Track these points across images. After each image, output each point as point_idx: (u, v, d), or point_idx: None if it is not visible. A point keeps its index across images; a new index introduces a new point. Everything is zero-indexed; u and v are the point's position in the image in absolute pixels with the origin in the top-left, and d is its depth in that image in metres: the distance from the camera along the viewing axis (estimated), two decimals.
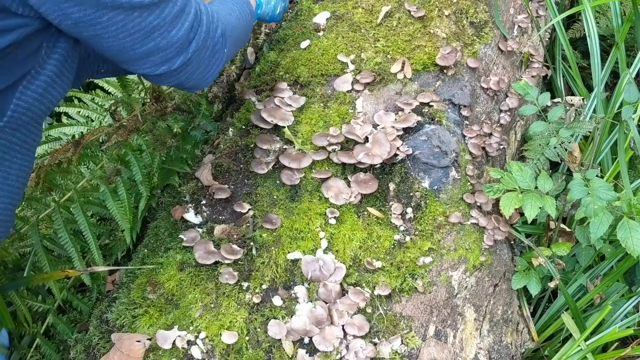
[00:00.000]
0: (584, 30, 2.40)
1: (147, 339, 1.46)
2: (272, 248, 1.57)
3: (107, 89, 2.28)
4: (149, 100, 1.85)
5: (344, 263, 1.56)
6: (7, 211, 1.18)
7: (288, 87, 1.83)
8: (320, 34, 1.93)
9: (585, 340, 1.71)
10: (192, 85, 1.30)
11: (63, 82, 1.17)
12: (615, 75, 2.44)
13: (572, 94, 2.42)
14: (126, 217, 1.64)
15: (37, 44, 1.08)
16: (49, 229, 1.83)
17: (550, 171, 2.00)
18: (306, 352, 1.47)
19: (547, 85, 2.52)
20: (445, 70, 1.83)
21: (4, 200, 1.16)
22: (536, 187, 1.68)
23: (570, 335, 1.80)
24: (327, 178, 1.65)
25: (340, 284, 1.54)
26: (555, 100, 2.02)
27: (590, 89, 2.43)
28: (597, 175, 1.64)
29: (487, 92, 1.92)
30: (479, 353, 1.63)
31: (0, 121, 1.08)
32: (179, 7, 1.16)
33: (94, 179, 1.68)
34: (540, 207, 1.61)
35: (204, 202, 1.69)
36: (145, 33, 1.11)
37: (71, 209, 1.66)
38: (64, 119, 2.19)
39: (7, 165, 1.13)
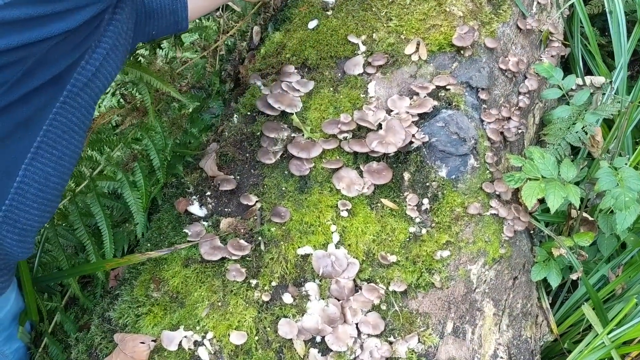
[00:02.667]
0: (603, 6, 2.29)
1: (152, 340, 1.39)
2: (282, 243, 1.49)
3: None
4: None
5: (356, 258, 1.49)
6: (56, 191, 1.15)
7: (295, 71, 1.73)
8: (329, 13, 1.82)
9: (608, 334, 1.64)
10: None
11: (117, 56, 1.15)
12: (634, 54, 2.34)
13: (590, 74, 2.31)
14: (142, 208, 1.54)
15: (99, 21, 1.07)
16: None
17: (572, 157, 1.91)
18: (318, 352, 1.40)
19: (564, 64, 2.41)
20: (462, 51, 1.73)
21: (54, 180, 1.13)
22: (559, 175, 1.59)
23: (590, 326, 1.73)
24: (339, 168, 1.56)
25: (354, 280, 1.47)
26: (579, 82, 1.91)
27: (609, 67, 2.32)
28: (625, 164, 1.55)
29: (506, 73, 1.82)
30: (498, 349, 1.56)
31: (60, 96, 1.06)
32: None
33: (109, 165, 1.58)
34: (563, 197, 1.53)
35: (208, 193, 1.60)
36: None
37: (88, 198, 1.57)
38: None
39: (64, 145, 1.11)
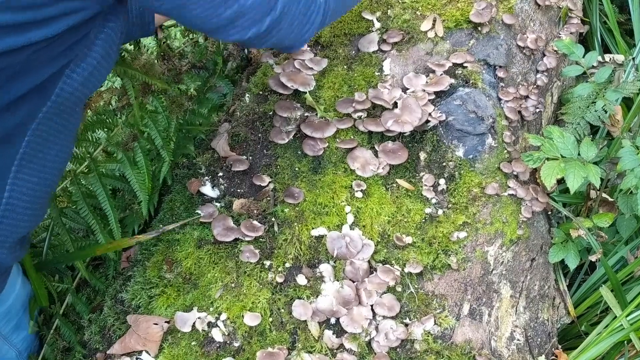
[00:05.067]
0: None
1: (165, 322, 1.38)
2: (295, 224, 1.47)
3: None
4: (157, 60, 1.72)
5: (371, 239, 1.46)
6: (43, 199, 1.13)
7: (308, 49, 1.69)
8: None
9: (626, 316, 1.61)
10: (290, 44, 1.23)
11: (108, 63, 1.10)
12: None
13: (608, 52, 2.26)
14: (145, 187, 1.52)
15: (88, 29, 1.02)
16: (60, 203, 1.74)
17: (591, 136, 1.86)
18: (333, 334, 1.39)
19: (582, 42, 2.35)
20: (479, 28, 1.68)
21: (41, 189, 1.10)
22: (578, 155, 1.55)
23: (608, 308, 1.70)
24: (353, 148, 1.53)
25: (368, 261, 1.44)
26: (601, 59, 1.86)
27: (628, 45, 2.26)
28: None
29: (524, 51, 1.77)
30: (514, 331, 1.54)
31: (44, 106, 1.02)
32: None
33: (110, 146, 1.56)
34: (583, 177, 1.49)
35: (221, 174, 1.58)
36: None
37: (89, 179, 1.55)
38: None
39: (45, 152, 1.08)
